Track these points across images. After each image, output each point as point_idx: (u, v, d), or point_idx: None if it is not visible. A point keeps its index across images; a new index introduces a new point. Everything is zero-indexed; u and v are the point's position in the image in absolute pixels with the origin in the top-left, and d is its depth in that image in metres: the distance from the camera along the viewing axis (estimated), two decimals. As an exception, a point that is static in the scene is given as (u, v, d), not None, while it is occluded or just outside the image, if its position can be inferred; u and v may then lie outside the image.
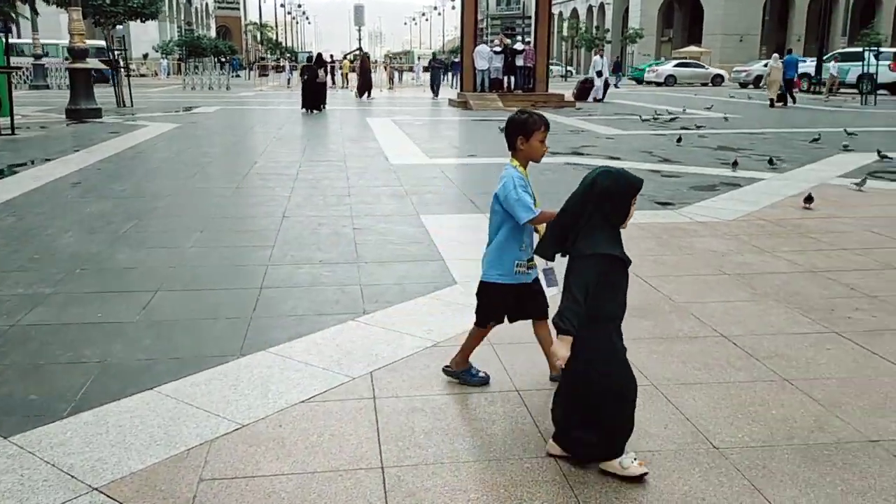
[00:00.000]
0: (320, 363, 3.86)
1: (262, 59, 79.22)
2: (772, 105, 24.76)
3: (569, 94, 27.11)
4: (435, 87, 31.25)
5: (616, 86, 41.94)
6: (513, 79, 26.66)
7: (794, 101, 25.57)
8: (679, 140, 14.09)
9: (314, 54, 28.16)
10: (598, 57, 28.73)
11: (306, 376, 3.70)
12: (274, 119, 20.06)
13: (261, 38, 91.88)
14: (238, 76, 60.29)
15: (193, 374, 3.70)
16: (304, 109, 22.42)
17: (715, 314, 4.68)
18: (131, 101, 23.48)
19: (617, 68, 45.65)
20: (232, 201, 8.33)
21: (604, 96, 28.10)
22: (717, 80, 48.06)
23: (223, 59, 56.54)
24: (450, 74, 42.80)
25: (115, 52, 26.75)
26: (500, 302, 3.54)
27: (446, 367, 3.72)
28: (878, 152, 11.87)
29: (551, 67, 60.04)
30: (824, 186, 9.30)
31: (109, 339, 4.18)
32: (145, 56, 62.04)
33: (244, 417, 3.29)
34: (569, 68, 67.66)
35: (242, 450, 3.03)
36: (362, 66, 32.92)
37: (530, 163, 3.46)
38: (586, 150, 12.99)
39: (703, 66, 49.30)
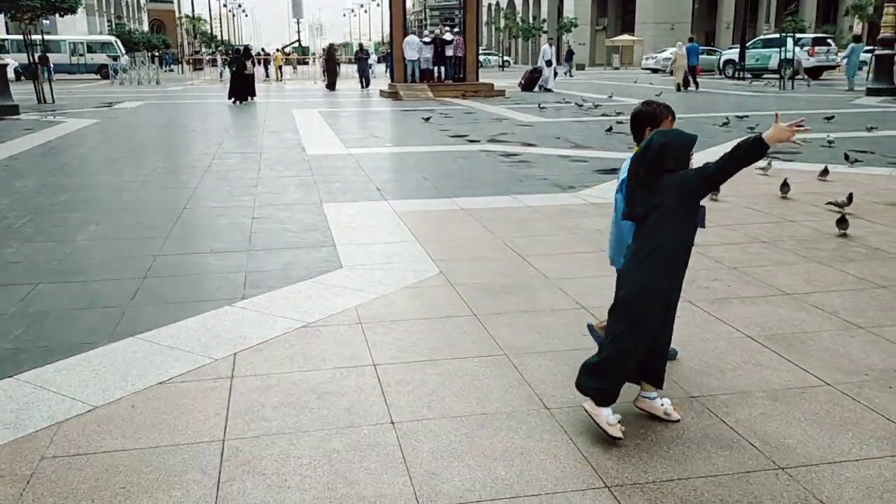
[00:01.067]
0: (186, 346, 3.95)
1: (196, 53, 77.83)
2: (678, 90, 26.13)
3: (501, 84, 27.35)
4: (364, 79, 31.24)
5: (569, 74, 42.37)
6: (443, 69, 26.85)
7: (697, 87, 26.86)
8: (609, 129, 13.92)
9: (243, 47, 27.98)
10: (546, 46, 28.81)
11: (169, 359, 3.79)
12: (198, 112, 19.85)
13: (195, 32, 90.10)
14: (172, 70, 59.19)
15: (57, 361, 3.77)
16: (231, 100, 22.29)
17: (582, 289, 4.91)
18: (52, 98, 22.98)
19: (569, 57, 45.93)
20: (136, 195, 8.30)
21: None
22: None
23: (156, 54, 55.44)
24: (383, 66, 42.72)
25: (39, 47, 26.12)
26: None
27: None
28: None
29: (488, 58, 60.37)
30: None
31: (-22, 331, 4.21)
32: None
33: (99, 400, 3.37)
34: (506, 58, 68.12)
35: (91, 429, 3.12)
36: (329, 59, 32.09)
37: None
38: (503, 138, 13.21)
39: None
